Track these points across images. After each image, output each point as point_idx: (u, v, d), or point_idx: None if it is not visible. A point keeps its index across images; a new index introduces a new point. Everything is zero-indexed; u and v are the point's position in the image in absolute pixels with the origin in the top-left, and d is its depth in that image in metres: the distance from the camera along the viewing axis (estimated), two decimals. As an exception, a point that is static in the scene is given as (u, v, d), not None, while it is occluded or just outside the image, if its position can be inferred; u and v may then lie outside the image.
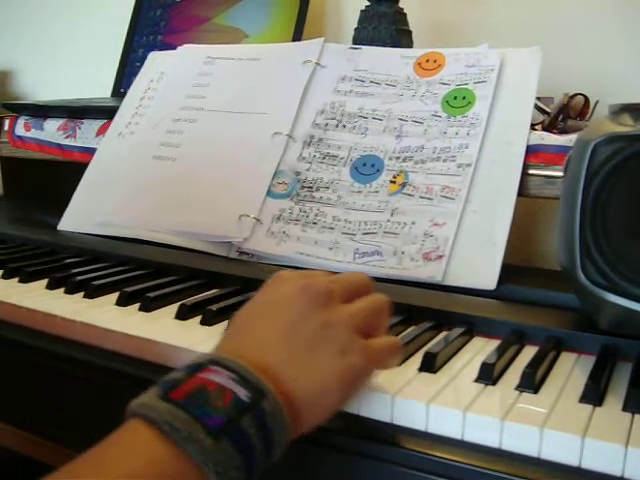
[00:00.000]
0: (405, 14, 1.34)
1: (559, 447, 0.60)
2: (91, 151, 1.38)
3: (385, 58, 1.20)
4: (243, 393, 0.56)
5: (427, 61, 1.16)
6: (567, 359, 0.78)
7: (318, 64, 1.22)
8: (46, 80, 2.21)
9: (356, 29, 1.34)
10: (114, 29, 1.83)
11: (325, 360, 0.62)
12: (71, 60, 2.12)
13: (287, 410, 0.58)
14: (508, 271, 0.96)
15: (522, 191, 1.01)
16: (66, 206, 1.30)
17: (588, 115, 1.16)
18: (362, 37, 1.31)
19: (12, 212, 1.50)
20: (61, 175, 1.47)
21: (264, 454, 0.56)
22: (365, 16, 1.33)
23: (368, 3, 1.34)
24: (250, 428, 0.55)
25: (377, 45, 1.27)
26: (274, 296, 0.68)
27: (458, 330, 0.82)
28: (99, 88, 1.79)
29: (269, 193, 1.12)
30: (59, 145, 1.48)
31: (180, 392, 0.55)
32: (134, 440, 0.54)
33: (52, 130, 1.50)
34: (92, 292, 0.96)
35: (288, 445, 0.59)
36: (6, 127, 1.58)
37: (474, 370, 0.72)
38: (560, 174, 0.98)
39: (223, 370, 0.57)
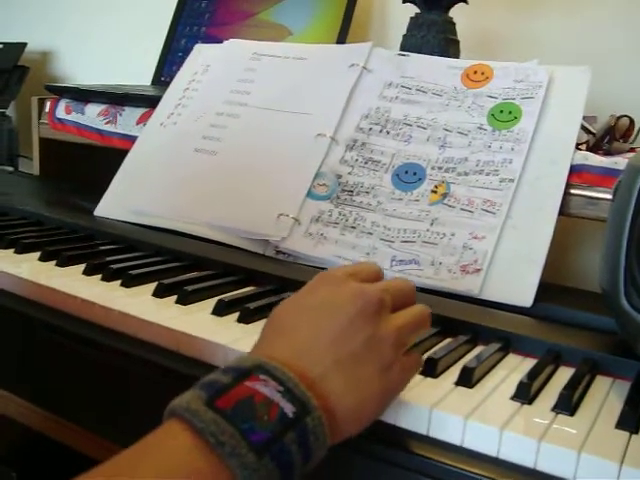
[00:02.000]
0: (454, 24, 1.34)
1: (595, 472, 0.60)
2: (131, 138, 1.39)
3: (433, 67, 1.20)
4: (289, 408, 0.55)
5: (475, 73, 1.16)
6: (602, 383, 0.78)
7: (365, 68, 1.22)
8: (85, 63, 2.22)
9: (404, 36, 1.34)
10: (156, 17, 1.83)
11: (369, 376, 0.62)
12: (111, 44, 2.13)
13: (327, 426, 0.57)
14: (544, 289, 0.95)
15: (563, 210, 1.01)
16: (102, 192, 1.30)
17: (632, 137, 1.16)
18: (410, 44, 1.31)
19: (48, 194, 1.51)
20: (98, 160, 1.47)
21: (300, 468, 0.56)
22: (414, 23, 1.32)
23: (418, 10, 1.34)
24: (292, 445, 0.54)
25: (425, 53, 1.27)
26: (322, 298, 0.65)
27: (494, 346, 0.82)
28: (138, 74, 1.80)
29: (309, 194, 1.12)
30: (99, 130, 1.49)
31: (227, 401, 0.54)
32: (175, 445, 0.53)
33: (93, 115, 1.51)
34: (129, 281, 0.96)
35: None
36: (47, 109, 1.59)
37: (510, 387, 0.72)
38: (603, 196, 0.99)
39: (270, 380, 0.56)
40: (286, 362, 0.59)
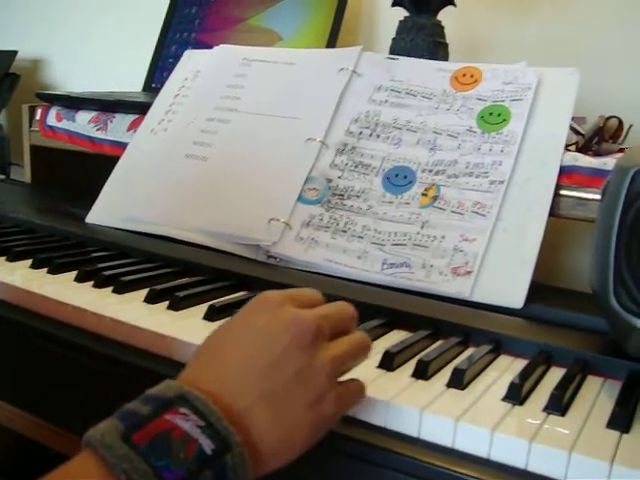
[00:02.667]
0: (443, 27, 1.34)
1: (586, 472, 0.60)
2: (121, 145, 1.39)
3: (422, 70, 1.20)
4: (208, 445, 0.53)
5: (464, 75, 1.17)
6: (593, 383, 0.78)
7: (354, 72, 1.23)
8: (76, 70, 2.22)
9: (393, 39, 1.34)
10: (147, 24, 1.84)
11: (299, 407, 0.59)
12: (101, 51, 2.13)
13: (250, 460, 0.55)
14: (535, 290, 0.96)
15: (553, 211, 1.02)
16: (93, 198, 1.30)
17: (621, 138, 1.16)
18: (399, 48, 1.31)
19: (39, 201, 1.51)
20: (89, 167, 1.48)
21: None
22: (403, 27, 1.33)
23: (407, 14, 1.34)
24: None
25: (414, 56, 1.27)
26: (256, 324, 0.62)
27: (485, 347, 0.82)
28: (129, 81, 1.80)
29: (300, 198, 1.13)
30: (90, 137, 1.49)
31: (143, 436, 0.52)
32: (85, 478, 0.52)
33: (83, 122, 1.51)
34: (121, 288, 0.96)
35: None
36: (38, 116, 1.59)
37: (501, 389, 0.73)
38: (592, 196, 0.99)
39: (191, 414, 0.54)
40: (212, 392, 0.57)
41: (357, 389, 0.67)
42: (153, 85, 1.73)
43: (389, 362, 0.77)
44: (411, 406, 0.68)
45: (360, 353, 0.67)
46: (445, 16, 1.36)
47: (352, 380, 0.66)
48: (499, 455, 0.64)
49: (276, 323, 0.61)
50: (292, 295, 0.66)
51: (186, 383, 0.57)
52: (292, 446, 0.59)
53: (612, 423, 0.67)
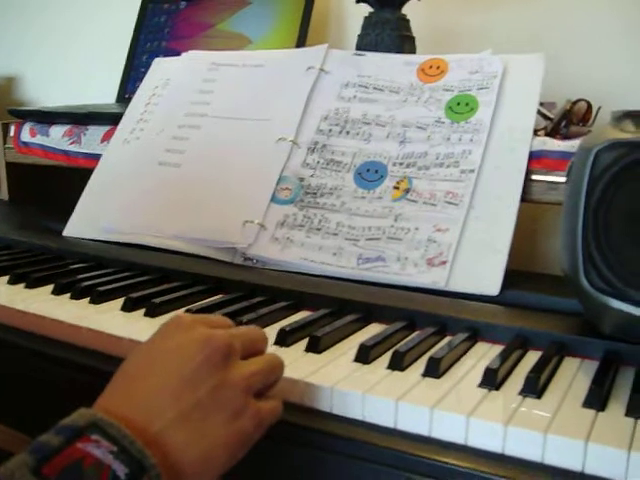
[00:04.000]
0: (408, 20, 1.34)
1: (562, 452, 0.61)
2: (96, 157, 1.39)
3: (388, 64, 1.21)
4: (122, 469, 0.52)
5: (430, 67, 1.17)
6: (570, 364, 0.79)
7: (322, 70, 1.23)
8: (50, 86, 2.22)
9: (359, 35, 1.35)
10: (117, 35, 1.84)
11: (217, 425, 0.60)
12: (75, 66, 2.13)
13: (168, 478, 0.55)
14: (511, 276, 0.96)
15: (525, 197, 1.02)
16: (71, 212, 1.30)
17: (591, 121, 1.16)
18: (366, 43, 1.32)
19: (17, 218, 1.51)
20: (66, 181, 1.47)
21: None
22: (368, 22, 1.33)
23: (371, 9, 1.35)
24: None
25: (380, 51, 1.28)
26: (170, 344, 0.63)
27: (462, 335, 0.83)
28: (103, 93, 1.80)
29: (273, 199, 1.13)
30: (64, 151, 1.49)
31: (53, 467, 0.51)
32: None
33: (57, 136, 1.51)
34: (97, 298, 0.96)
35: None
36: (12, 133, 1.59)
37: (478, 375, 0.73)
38: (563, 180, 0.99)
39: (103, 440, 0.53)
40: (125, 416, 0.56)
41: (274, 406, 0.66)
42: (126, 96, 1.73)
43: (365, 355, 0.77)
44: (387, 397, 0.68)
45: (273, 370, 0.67)
46: (411, 9, 1.36)
47: (269, 398, 0.67)
48: (476, 441, 0.64)
49: (189, 342, 0.62)
50: (203, 318, 0.67)
51: (100, 409, 0.57)
52: (213, 465, 0.59)
53: (587, 402, 0.68)
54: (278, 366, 0.68)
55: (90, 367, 0.84)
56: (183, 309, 0.90)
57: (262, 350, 0.69)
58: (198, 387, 0.59)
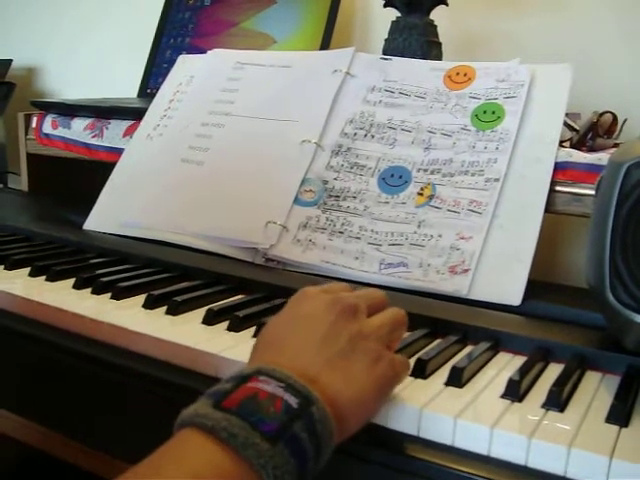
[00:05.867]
0: (436, 26, 1.34)
1: (586, 467, 0.60)
2: (117, 151, 1.39)
3: (415, 70, 1.20)
4: (293, 400, 0.57)
5: (457, 74, 1.17)
6: (592, 378, 0.78)
7: (348, 73, 1.23)
8: (72, 78, 2.22)
9: (386, 40, 1.35)
10: (139, 28, 1.84)
11: (361, 369, 0.64)
12: (96, 58, 2.14)
13: (333, 417, 0.59)
14: (533, 287, 0.96)
15: (549, 207, 1.02)
16: (91, 205, 1.30)
17: (616, 133, 1.16)
18: (392, 48, 1.32)
19: (37, 209, 1.51)
20: (86, 174, 1.48)
21: (314, 460, 0.57)
22: (396, 27, 1.33)
23: (399, 14, 1.35)
24: (302, 433, 0.56)
25: (407, 56, 1.27)
26: (303, 311, 0.69)
27: (484, 345, 0.82)
28: (124, 87, 1.80)
29: (296, 201, 1.13)
30: (86, 144, 1.49)
31: (233, 401, 0.56)
32: (192, 447, 0.54)
33: (79, 129, 1.51)
34: (119, 293, 0.96)
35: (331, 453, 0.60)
36: (34, 124, 1.59)
37: (500, 386, 0.73)
38: (587, 192, 0.99)
39: (271, 379, 0.58)
40: (281, 365, 0.61)
41: (406, 360, 0.72)
42: (148, 91, 1.73)
43: (388, 362, 0.77)
44: (410, 405, 0.68)
45: (398, 323, 0.73)
46: (438, 15, 1.36)
47: (400, 355, 0.72)
48: (499, 452, 0.64)
49: (319, 306, 0.68)
50: (326, 288, 0.74)
51: (256, 364, 0.62)
52: (365, 405, 0.64)
53: (611, 418, 0.67)
54: (402, 317, 0.74)
55: (109, 362, 0.84)
56: (205, 308, 0.90)
57: (384, 308, 0.74)
58: (337, 340, 0.65)
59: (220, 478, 0.53)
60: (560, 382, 0.72)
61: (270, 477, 0.53)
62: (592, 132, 1.12)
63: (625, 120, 1.17)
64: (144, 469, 0.53)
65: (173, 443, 0.55)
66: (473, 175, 1.05)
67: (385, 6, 1.36)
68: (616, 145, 1.12)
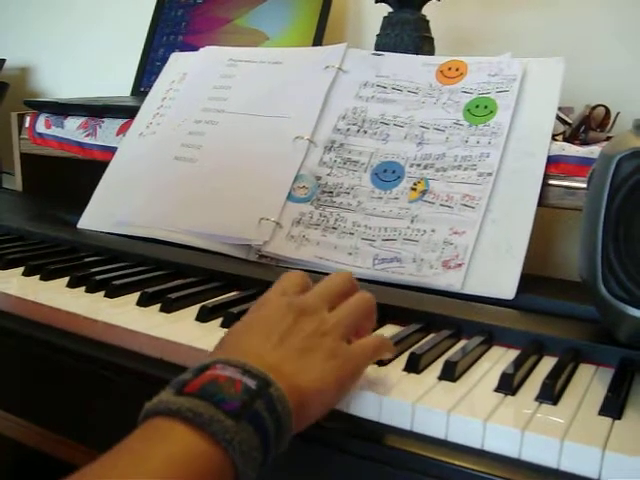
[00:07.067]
0: (428, 21, 1.34)
1: (579, 459, 0.60)
2: (111, 150, 1.39)
3: (407, 65, 1.20)
4: (251, 382, 0.58)
5: (449, 69, 1.17)
6: (586, 371, 0.79)
7: (340, 69, 1.23)
8: (64, 77, 2.22)
9: (378, 35, 1.35)
10: (132, 27, 1.84)
11: (318, 363, 0.65)
12: (90, 57, 2.13)
13: (291, 399, 0.60)
14: (527, 281, 0.96)
15: (542, 201, 1.02)
16: (85, 204, 1.30)
17: (608, 126, 1.16)
18: (384, 43, 1.32)
19: (31, 209, 1.51)
20: (80, 173, 1.48)
21: (276, 438, 0.58)
22: (388, 22, 1.33)
23: (391, 10, 1.35)
24: (263, 411, 0.57)
25: (399, 52, 1.27)
26: (262, 314, 0.70)
27: (477, 339, 0.83)
28: (117, 86, 1.80)
29: (289, 197, 1.13)
30: (79, 143, 1.49)
31: (194, 386, 0.58)
32: (160, 432, 0.56)
33: (72, 128, 1.51)
34: (113, 292, 0.96)
35: (291, 438, 0.61)
36: (27, 124, 1.59)
37: (493, 380, 0.73)
38: (580, 185, 1.00)
39: (228, 366, 0.60)
40: (239, 358, 0.63)
41: (373, 341, 0.72)
42: (141, 89, 1.73)
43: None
44: (403, 399, 0.68)
45: (363, 310, 0.74)
46: (430, 10, 1.36)
47: (367, 338, 0.73)
48: (492, 445, 0.64)
49: (277, 309, 0.70)
50: (283, 289, 0.75)
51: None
52: (324, 393, 0.65)
53: (604, 410, 0.67)
54: (368, 305, 0.75)
55: (104, 360, 0.84)
56: (198, 305, 0.90)
57: (353, 291, 0.76)
58: (293, 340, 0.66)
59: (191, 457, 0.54)
60: (553, 375, 0.72)
61: (237, 453, 0.55)
62: (585, 125, 1.12)
63: (618, 113, 1.17)
64: (116, 457, 0.54)
65: (140, 432, 0.56)
66: (466, 170, 1.05)
67: (377, 2, 1.36)
68: (609, 138, 1.12)
